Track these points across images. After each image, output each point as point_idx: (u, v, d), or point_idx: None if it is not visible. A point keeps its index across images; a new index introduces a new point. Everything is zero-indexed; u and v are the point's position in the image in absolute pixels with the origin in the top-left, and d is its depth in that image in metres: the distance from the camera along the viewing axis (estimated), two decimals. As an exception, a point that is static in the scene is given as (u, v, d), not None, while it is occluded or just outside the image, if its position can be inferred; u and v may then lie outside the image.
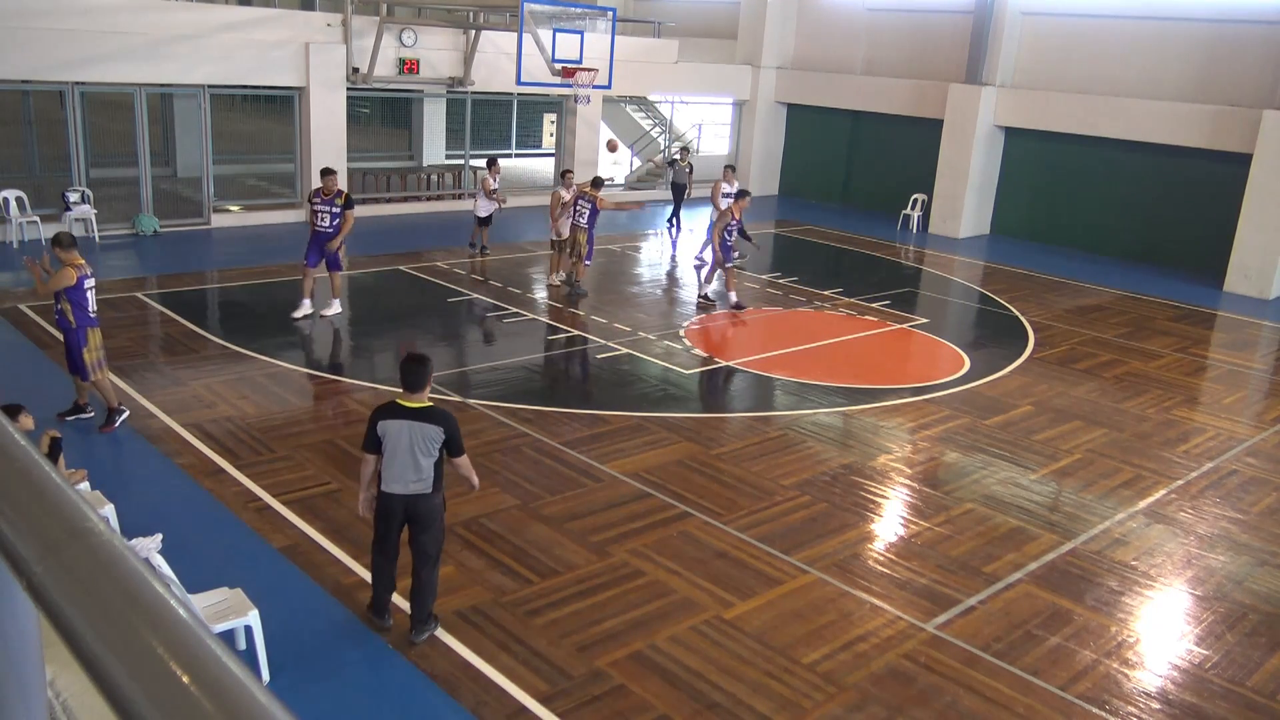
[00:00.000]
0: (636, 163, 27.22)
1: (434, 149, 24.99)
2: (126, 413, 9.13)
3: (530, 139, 30.09)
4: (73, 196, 16.12)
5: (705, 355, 12.40)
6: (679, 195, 20.43)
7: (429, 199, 21.37)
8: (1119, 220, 20.61)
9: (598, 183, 15.08)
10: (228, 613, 5.75)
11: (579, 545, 7.43)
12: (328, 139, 18.45)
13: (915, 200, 22.60)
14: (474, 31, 19.68)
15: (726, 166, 18.64)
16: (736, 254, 14.89)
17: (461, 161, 22.22)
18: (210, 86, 17.40)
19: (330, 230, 12.43)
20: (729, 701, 5.76)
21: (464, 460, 6.04)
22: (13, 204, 15.72)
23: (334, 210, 12.39)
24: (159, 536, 5.82)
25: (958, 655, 6.38)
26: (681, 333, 13.30)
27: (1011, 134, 21.95)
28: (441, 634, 6.17)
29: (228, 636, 5.67)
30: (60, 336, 9.21)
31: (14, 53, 15.10)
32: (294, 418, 9.65)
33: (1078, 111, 20.28)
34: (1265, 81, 18.18)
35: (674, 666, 6.05)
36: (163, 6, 16.77)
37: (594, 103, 21.34)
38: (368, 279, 15.18)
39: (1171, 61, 19.43)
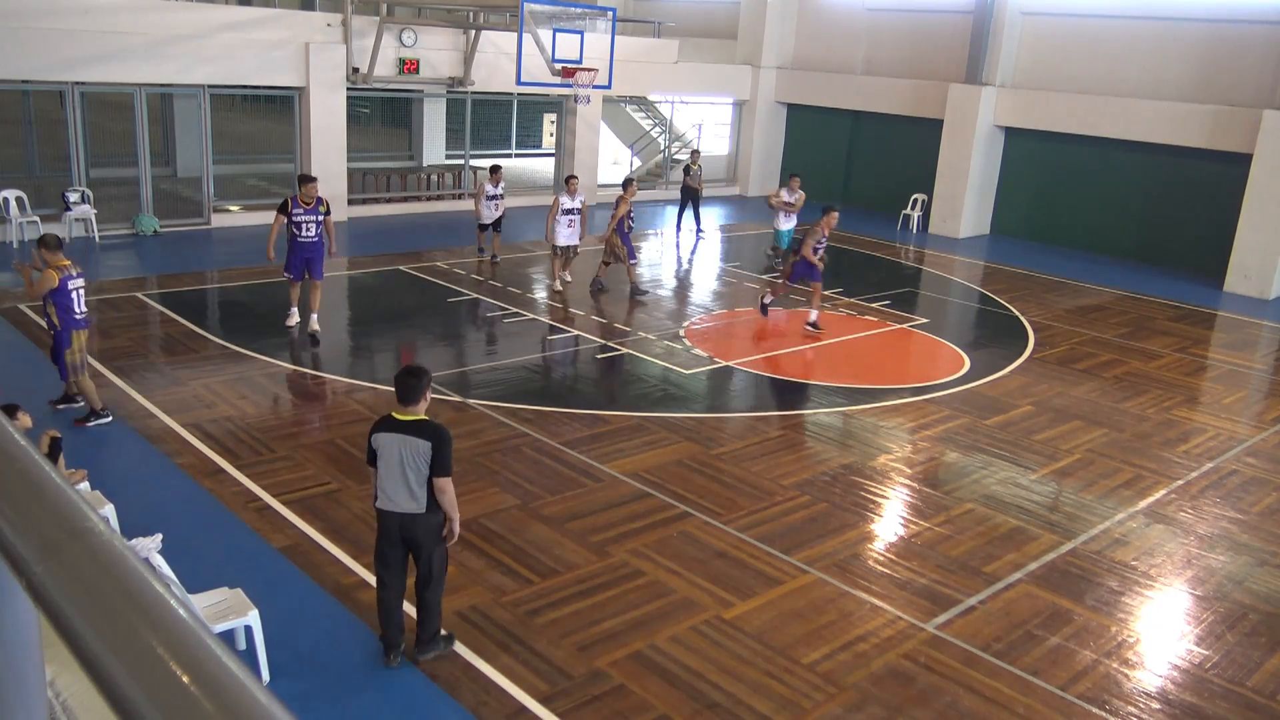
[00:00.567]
0: (636, 162, 27.23)
1: (434, 149, 24.99)
2: (109, 418, 9.09)
3: (530, 139, 30.10)
4: (73, 196, 16.12)
5: (705, 355, 12.40)
6: (692, 199, 20.12)
7: (429, 199, 21.36)
8: (1119, 220, 20.61)
9: (628, 184, 15.14)
10: (228, 613, 5.75)
11: (579, 545, 7.43)
12: (328, 139, 18.45)
13: (915, 200, 22.60)
14: (474, 31, 19.68)
15: (791, 175, 17.76)
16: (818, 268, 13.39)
17: (461, 161, 22.22)
18: (210, 86, 17.40)
19: (315, 239, 11.76)
20: (729, 701, 5.76)
21: (446, 483, 5.58)
22: (13, 204, 15.72)
23: (318, 219, 11.75)
24: (159, 536, 5.82)
25: (958, 655, 6.38)
26: (681, 333, 13.30)
27: (1011, 134, 21.95)
28: (441, 634, 6.15)
29: (228, 636, 5.67)
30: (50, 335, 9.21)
31: (14, 53, 15.10)
32: (294, 418, 9.65)
33: (1078, 111, 20.28)
34: (1265, 81, 18.18)
35: (674, 666, 6.05)
36: (163, 6, 16.76)
37: (594, 103, 21.34)
38: (368, 279, 15.18)
39: (1171, 61, 19.43)
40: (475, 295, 14.46)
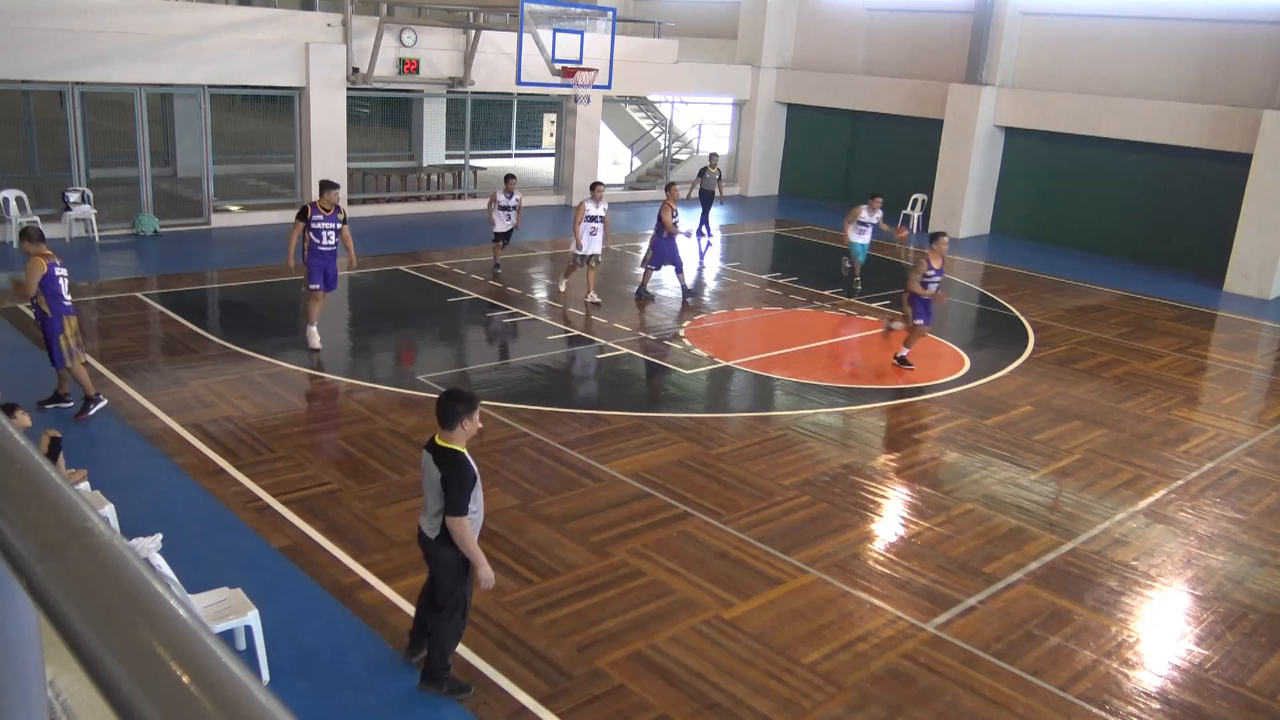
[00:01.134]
0: (636, 162, 27.23)
1: (434, 149, 25.01)
2: (104, 402, 9.27)
3: (530, 139, 30.11)
4: (73, 196, 16.12)
5: (705, 355, 12.40)
6: (708, 203, 20.05)
7: (429, 199, 21.37)
8: (1119, 220, 20.61)
9: (670, 187, 15.06)
10: (228, 613, 5.75)
11: (579, 545, 7.43)
12: (328, 139, 18.45)
13: (915, 200, 22.60)
14: (474, 31, 19.68)
15: (873, 195, 16.02)
16: (925, 316, 12.16)
17: (461, 161, 22.22)
18: (210, 86, 17.40)
19: (334, 248, 11.35)
20: (729, 701, 5.75)
21: (453, 523, 5.30)
22: (13, 204, 15.72)
23: (336, 226, 11.35)
24: (159, 536, 5.82)
25: (958, 655, 6.37)
26: (681, 332, 13.30)
27: (1011, 134, 21.95)
28: (449, 679, 5.80)
29: (228, 636, 5.67)
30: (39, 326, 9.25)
31: (14, 53, 15.10)
32: (294, 418, 9.65)
33: (1078, 111, 20.28)
34: (1265, 81, 18.18)
35: (674, 666, 6.04)
36: (163, 6, 16.76)
37: (594, 103, 21.35)
38: (368, 279, 15.17)
39: (1171, 61, 19.43)
40: (475, 295, 14.46)
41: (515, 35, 17.48)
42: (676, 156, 26.25)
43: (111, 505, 6.82)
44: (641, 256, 15.37)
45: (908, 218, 22.31)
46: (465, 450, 5.43)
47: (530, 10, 17.11)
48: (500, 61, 19.92)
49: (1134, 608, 7.16)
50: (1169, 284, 18.33)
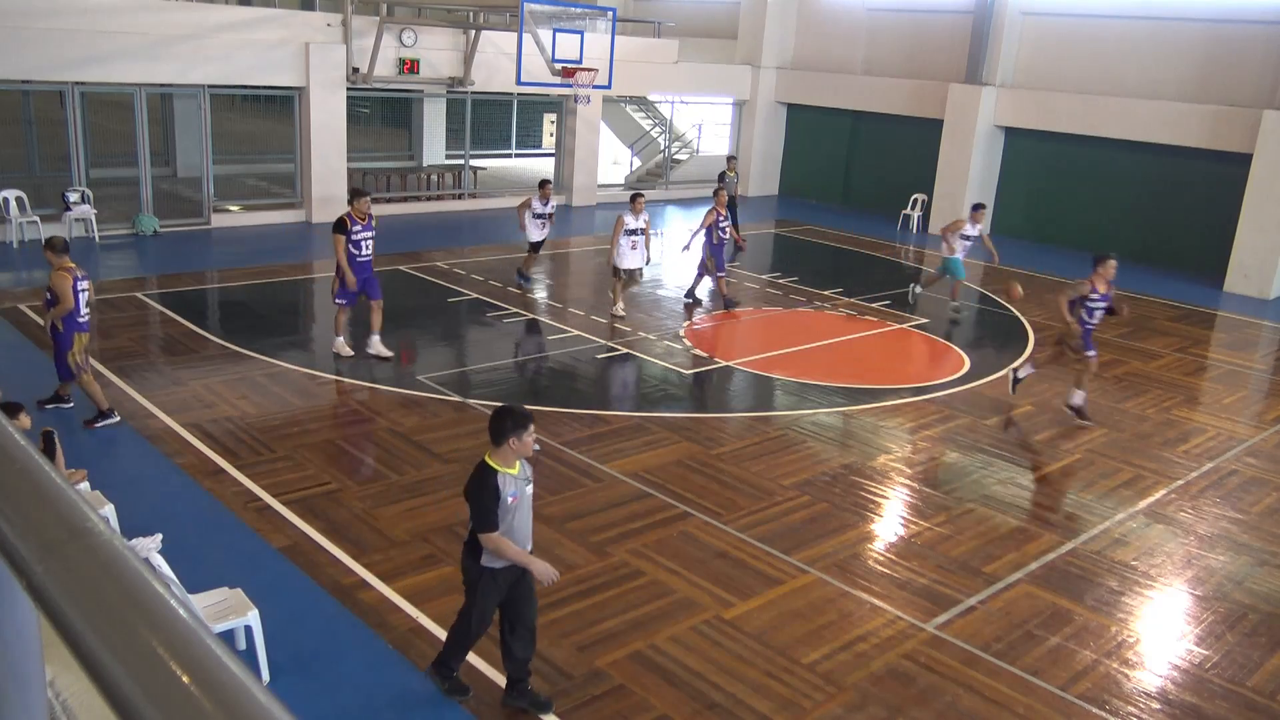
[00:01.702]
0: (636, 163, 27.23)
1: (434, 149, 25.01)
2: (116, 419, 9.06)
3: (530, 139, 30.11)
4: (73, 196, 16.12)
5: (705, 355, 12.40)
6: (731, 208, 19.84)
7: (429, 199, 21.38)
8: (1119, 220, 20.61)
9: (719, 191, 14.76)
10: (228, 613, 5.74)
11: (579, 545, 7.43)
12: (328, 139, 18.45)
13: (915, 200, 22.60)
14: (474, 31, 19.68)
15: (976, 206, 15.02)
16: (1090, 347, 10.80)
17: (461, 162, 22.22)
18: (210, 86, 17.40)
19: (372, 256, 11.07)
20: (729, 701, 5.75)
21: (484, 539, 5.25)
22: (13, 204, 15.72)
23: (374, 234, 11.03)
24: (159, 536, 5.81)
25: (958, 655, 6.37)
26: (681, 332, 13.30)
27: (1011, 134, 21.94)
28: (441, 634, 6.12)
29: (228, 636, 5.67)
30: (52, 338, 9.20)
31: (14, 53, 15.10)
32: (294, 418, 9.64)
33: (1078, 111, 20.28)
34: (1265, 81, 18.18)
35: (674, 666, 6.04)
36: (163, 6, 16.77)
37: (594, 103, 21.35)
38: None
39: (1171, 61, 19.43)
40: (475, 295, 14.46)
41: (515, 35, 17.48)
42: (676, 156, 26.25)
43: (111, 505, 6.82)
44: (698, 270, 14.62)
45: (908, 218, 22.27)
46: (501, 467, 5.32)
47: (530, 10, 17.11)
48: (500, 61, 19.92)
49: (1134, 608, 7.16)
50: (1169, 284, 18.32)
